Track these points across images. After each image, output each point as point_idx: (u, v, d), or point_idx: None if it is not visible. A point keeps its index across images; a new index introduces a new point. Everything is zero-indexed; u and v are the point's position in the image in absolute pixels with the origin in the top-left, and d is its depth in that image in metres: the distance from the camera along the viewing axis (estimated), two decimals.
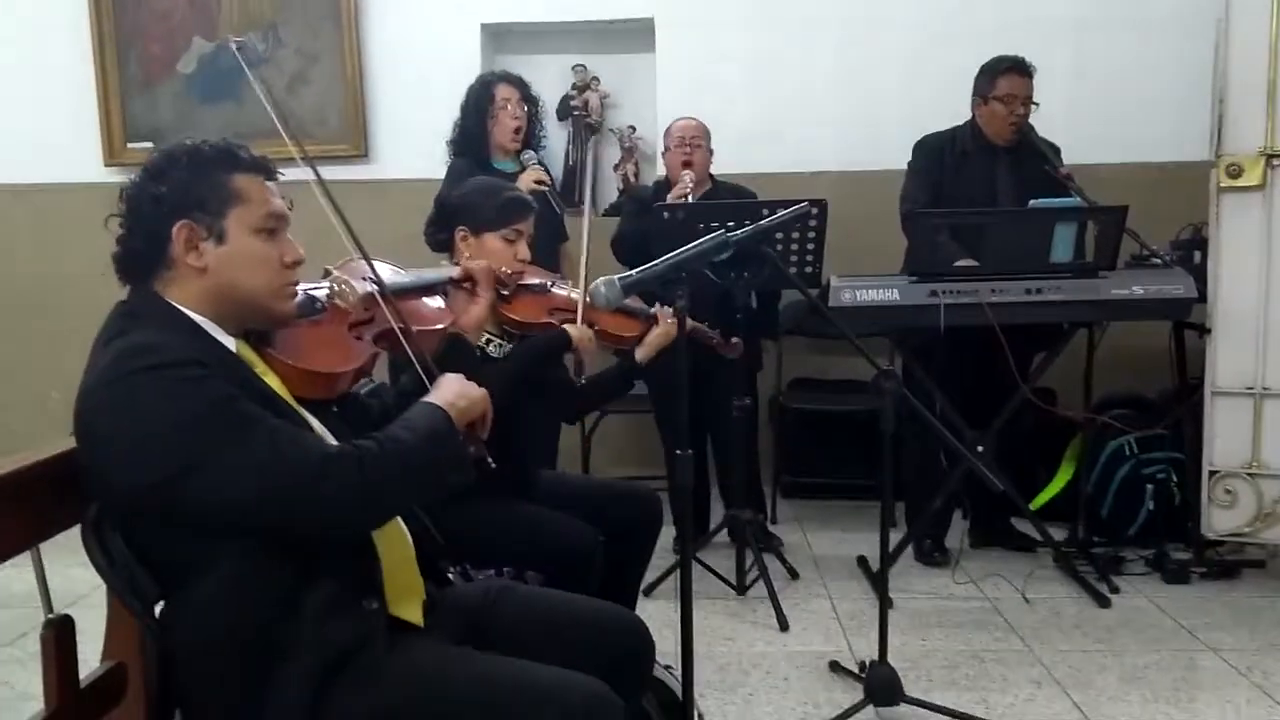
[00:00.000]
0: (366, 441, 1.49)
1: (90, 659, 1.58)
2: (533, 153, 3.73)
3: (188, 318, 1.53)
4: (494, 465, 1.69)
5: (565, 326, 2.51)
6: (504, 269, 2.44)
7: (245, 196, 1.56)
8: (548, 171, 3.80)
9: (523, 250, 2.50)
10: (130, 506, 1.45)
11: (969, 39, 4.17)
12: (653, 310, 2.71)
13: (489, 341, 2.48)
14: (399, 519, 1.66)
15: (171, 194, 1.52)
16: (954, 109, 3.80)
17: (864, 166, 4.41)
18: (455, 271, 2.35)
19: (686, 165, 3.80)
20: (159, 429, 1.39)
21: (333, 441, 1.62)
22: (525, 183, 3.53)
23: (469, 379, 1.71)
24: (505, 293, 2.48)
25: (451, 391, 1.63)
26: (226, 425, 1.40)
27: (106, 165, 4.80)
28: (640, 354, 2.68)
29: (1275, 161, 3.32)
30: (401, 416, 1.58)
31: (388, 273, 2.04)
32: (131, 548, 1.47)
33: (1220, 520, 3.50)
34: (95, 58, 4.76)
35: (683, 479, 2.03)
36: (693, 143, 3.84)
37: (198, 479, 1.38)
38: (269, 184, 1.60)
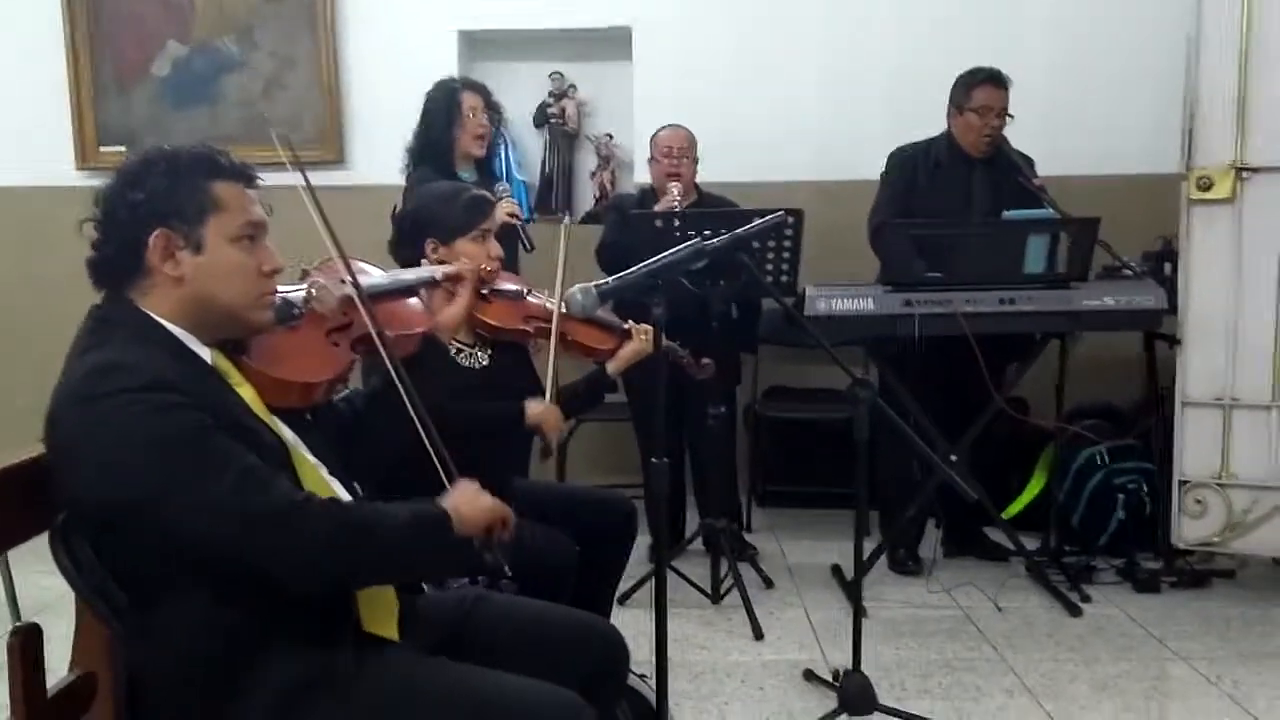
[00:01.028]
0: (349, 502, 1.47)
1: (58, 667, 1.56)
2: (505, 184, 3.70)
3: (162, 328, 1.50)
4: (510, 576, 1.64)
5: (525, 405, 2.45)
6: (486, 267, 2.43)
7: (224, 205, 1.53)
8: (520, 205, 3.76)
9: (494, 247, 2.50)
10: (96, 525, 1.44)
11: (946, 51, 4.21)
12: (627, 325, 2.70)
13: (459, 351, 2.47)
14: None
15: (149, 201, 1.49)
16: (931, 120, 3.82)
17: (840, 176, 4.43)
18: (437, 272, 2.34)
19: (673, 177, 3.79)
20: (124, 455, 1.36)
21: (309, 457, 1.60)
22: (498, 215, 3.48)
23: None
24: (484, 291, 2.47)
25: (460, 497, 1.58)
26: (193, 458, 1.37)
27: (79, 169, 4.76)
28: (612, 367, 2.67)
29: (1245, 174, 3.36)
30: (403, 503, 1.53)
31: (370, 274, 2.02)
32: (100, 558, 1.45)
33: (1190, 530, 3.53)
34: (68, 60, 4.72)
35: (658, 487, 2.03)
36: (680, 154, 3.83)
37: (159, 509, 1.36)
38: (249, 191, 1.57)
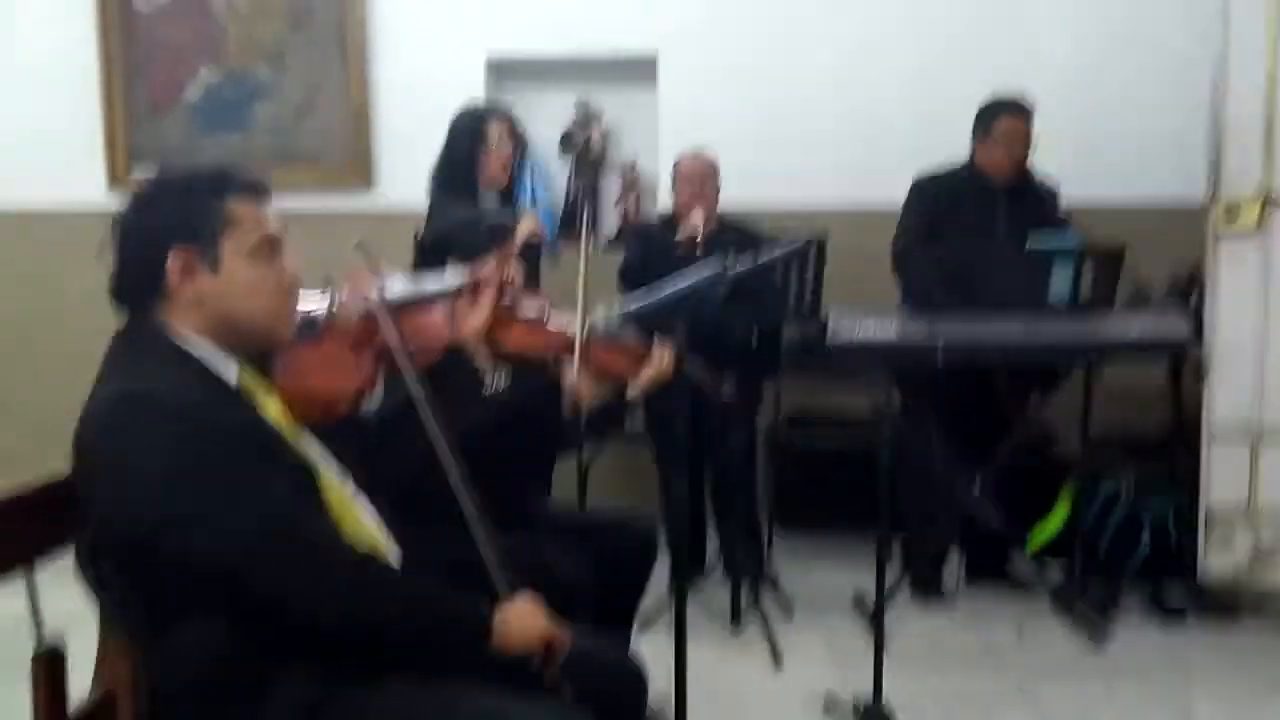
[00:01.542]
0: (386, 563, 1.47)
1: (80, 685, 1.57)
2: (529, 206, 3.72)
3: (188, 353, 1.51)
4: (572, 697, 1.61)
5: (563, 374, 2.47)
6: (509, 275, 2.44)
7: (239, 221, 1.54)
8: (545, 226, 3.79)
9: (515, 271, 2.51)
10: (121, 549, 1.45)
11: (968, 78, 4.20)
12: (648, 348, 2.69)
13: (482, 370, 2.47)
14: (384, 547, 1.65)
15: (163, 222, 1.50)
16: (954, 147, 3.82)
17: (864, 203, 4.43)
18: (461, 280, 2.35)
19: (696, 203, 3.79)
20: (151, 484, 1.38)
21: (334, 476, 1.61)
22: (521, 232, 3.51)
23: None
24: (508, 304, 2.47)
25: (514, 612, 1.59)
26: (218, 490, 1.39)
27: (109, 190, 4.83)
28: (632, 391, 2.67)
29: (1273, 203, 3.34)
30: (447, 587, 1.53)
31: (395, 281, 2.04)
32: (122, 578, 1.47)
33: (1217, 562, 3.49)
34: (101, 83, 4.79)
35: (679, 513, 2.03)
36: (702, 182, 3.85)
37: (183, 540, 1.37)
38: (263, 206, 1.58)
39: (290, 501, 1.45)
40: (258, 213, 1.57)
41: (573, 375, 2.45)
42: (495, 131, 3.64)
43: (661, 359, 2.63)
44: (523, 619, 1.59)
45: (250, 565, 1.38)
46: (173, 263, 1.50)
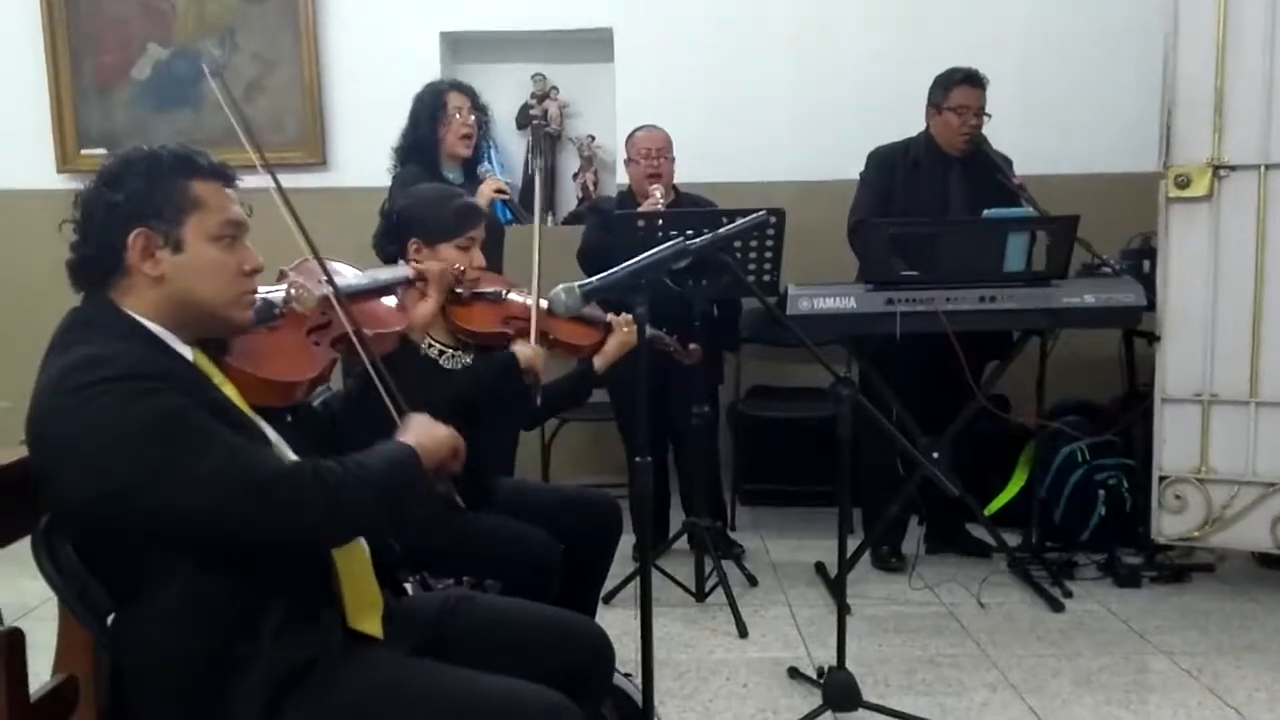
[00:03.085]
0: (328, 462, 1.48)
1: (41, 672, 1.56)
2: (487, 165, 3.72)
3: (143, 327, 1.50)
4: (463, 505, 1.68)
5: (514, 348, 2.47)
6: (459, 267, 2.44)
7: (203, 204, 1.53)
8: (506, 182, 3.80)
9: (477, 257, 2.50)
10: (82, 518, 1.44)
11: (924, 51, 4.23)
12: (609, 318, 2.70)
13: (441, 353, 2.47)
14: None
15: (127, 201, 1.49)
16: (909, 120, 3.84)
17: (821, 176, 4.45)
18: (409, 271, 2.36)
19: (653, 178, 3.80)
20: (111, 442, 1.36)
21: (290, 455, 1.61)
22: (486, 192, 3.52)
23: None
24: (461, 293, 2.47)
25: (419, 430, 1.61)
26: (180, 439, 1.38)
27: (59, 172, 4.74)
28: (599, 363, 2.67)
29: (1222, 173, 3.39)
30: (368, 450, 1.55)
31: (345, 274, 2.03)
32: (84, 559, 1.45)
33: (1170, 525, 3.56)
34: (49, 64, 4.70)
35: (643, 486, 2.03)
36: (658, 155, 3.84)
37: (150, 493, 1.36)
38: (228, 191, 1.57)
39: (251, 444, 1.46)
40: (222, 196, 1.56)
41: (527, 350, 2.46)
42: (455, 104, 3.63)
43: (622, 327, 2.64)
44: (429, 432, 1.62)
45: (224, 508, 1.38)
46: (134, 241, 1.49)
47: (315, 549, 1.52)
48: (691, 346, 2.98)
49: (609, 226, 3.67)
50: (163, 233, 1.50)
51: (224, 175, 1.58)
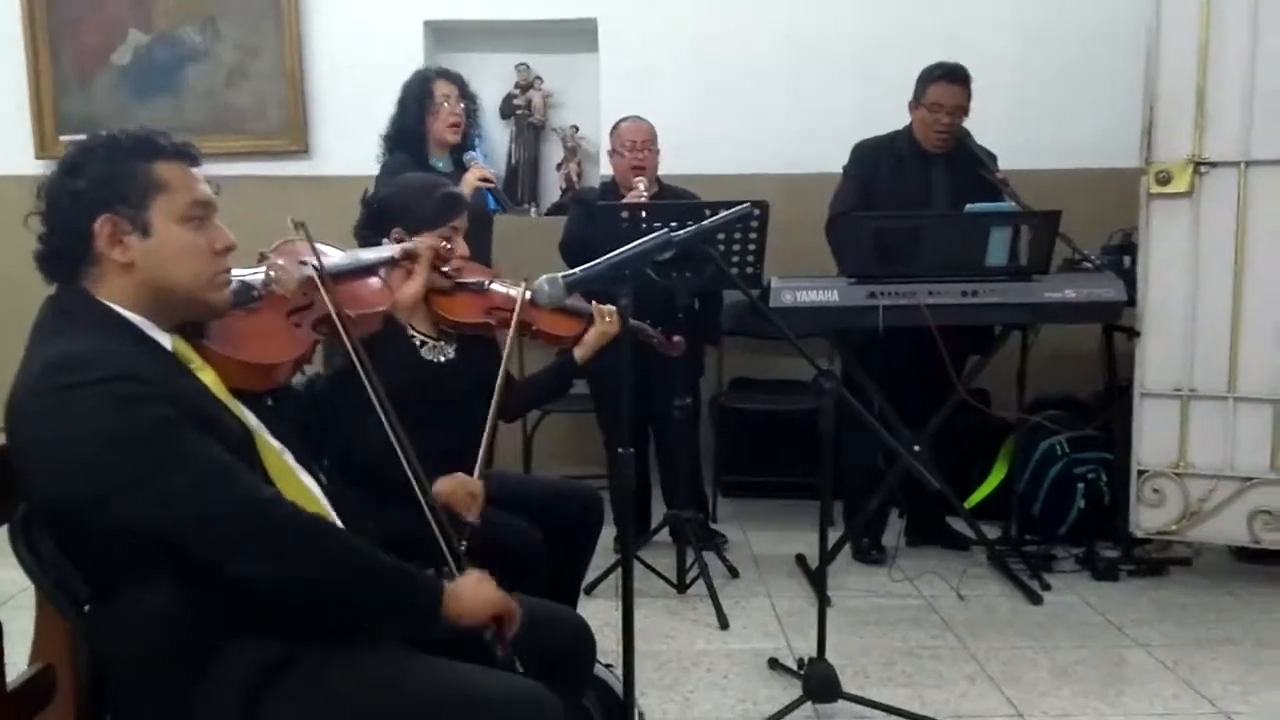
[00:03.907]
0: (335, 525, 1.48)
1: (18, 661, 1.55)
2: (473, 152, 3.71)
3: (120, 316, 1.48)
4: (521, 671, 1.60)
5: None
6: (446, 244, 2.43)
7: (168, 185, 1.50)
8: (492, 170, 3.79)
9: (460, 247, 2.49)
10: (59, 515, 1.43)
11: (910, 45, 4.22)
12: (591, 309, 2.69)
13: (423, 344, 2.46)
14: (338, 518, 1.63)
15: (90, 188, 1.47)
16: (894, 114, 3.84)
17: (805, 169, 4.45)
18: (395, 250, 2.34)
19: (637, 170, 3.79)
20: (88, 449, 1.35)
21: (271, 440, 1.59)
22: (470, 180, 3.52)
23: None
24: (445, 283, 2.46)
25: (465, 583, 1.58)
26: (156, 454, 1.36)
27: (38, 158, 4.70)
28: (580, 353, 2.67)
29: (1203, 169, 3.41)
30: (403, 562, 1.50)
31: (330, 254, 2.01)
32: (63, 550, 1.44)
33: (1148, 519, 3.58)
34: (27, 49, 4.66)
35: (624, 478, 2.03)
36: (644, 148, 3.83)
37: (124, 502, 1.35)
38: (193, 170, 1.54)
39: (231, 462, 1.42)
40: (187, 176, 1.53)
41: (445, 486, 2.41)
42: (443, 92, 3.62)
43: (604, 317, 2.64)
44: (474, 590, 1.58)
45: (194, 527, 1.37)
46: (100, 228, 1.46)
47: (276, 586, 1.44)
48: (675, 339, 2.98)
49: (592, 217, 3.66)
50: (129, 217, 1.48)
51: (188, 155, 1.55)
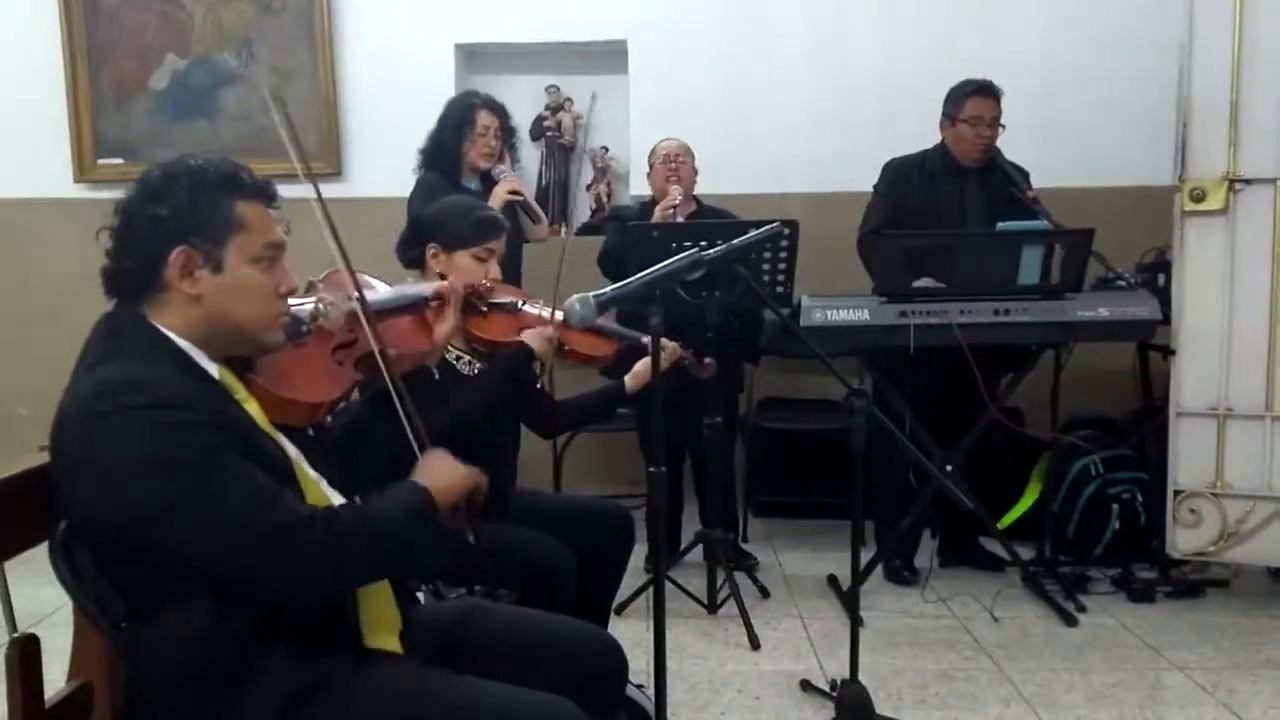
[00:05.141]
0: (344, 509, 1.48)
1: (56, 679, 1.57)
2: (502, 165, 3.74)
3: (172, 343, 1.49)
4: (474, 542, 1.66)
5: (523, 337, 2.47)
6: (481, 282, 2.45)
7: (247, 225, 1.51)
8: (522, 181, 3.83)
9: (494, 269, 2.51)
10: (100, 536, 1.44)
11: (938, 63, 4.23)
12: (644, 338, 2.69)
13: (459, 358, 2.48)
14: None
15: (171, 217, 1.47)
16: (924, 132, 3.84)
17: (835, 188, 4.45)
18: (428, 289, 2.35)
19: (672, 176, 3.85)
20: (133, 474, 1.36)
21: (310, 471, 1.60)
22: (500, 193, 3.56)
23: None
24: (482, 307, 2.48)
25: (436, 470, 1.59)
26: (202, 480, 1.37)
27: (76, 181, 4.78)
28: (631, 383, 2.69)
29: (1237, 186, 3.38)
30: (386, 491, 1.53)
31: (374, 286, 2.03)
32: (101, 569, 1.46)
33: (1185, 540, 3.54)
34: (66, 73, 4.74)
35: (657, 497, 2.03)
36: (679, 159, 3.89)
37: (165, 529, 1.36)
38: (270, 211, 1.55)
39: (274, 487, 1.43)
40: (265, 217, 1.54)
41: (539, 340, 2.46)
42: (484, 123, 3.66)
43: (666, 351, 2.64)
44: (446, 472, 1.59)
45: (236, 551, 1.38)
46: (175, 259, 1.47)
47: (323, 594, 1.49)
48: (707, 361, 2.98)
49: (627, 232, 3.69)
50: (204, 252, 1.48)
51: (268, 195, 1.55)
